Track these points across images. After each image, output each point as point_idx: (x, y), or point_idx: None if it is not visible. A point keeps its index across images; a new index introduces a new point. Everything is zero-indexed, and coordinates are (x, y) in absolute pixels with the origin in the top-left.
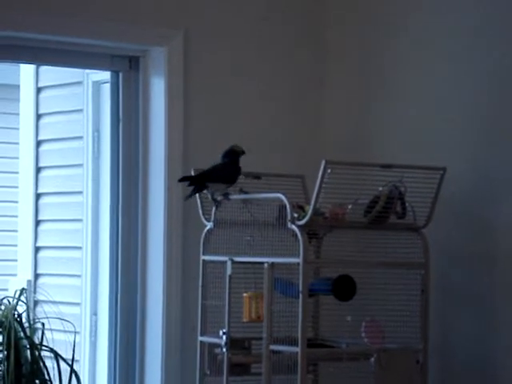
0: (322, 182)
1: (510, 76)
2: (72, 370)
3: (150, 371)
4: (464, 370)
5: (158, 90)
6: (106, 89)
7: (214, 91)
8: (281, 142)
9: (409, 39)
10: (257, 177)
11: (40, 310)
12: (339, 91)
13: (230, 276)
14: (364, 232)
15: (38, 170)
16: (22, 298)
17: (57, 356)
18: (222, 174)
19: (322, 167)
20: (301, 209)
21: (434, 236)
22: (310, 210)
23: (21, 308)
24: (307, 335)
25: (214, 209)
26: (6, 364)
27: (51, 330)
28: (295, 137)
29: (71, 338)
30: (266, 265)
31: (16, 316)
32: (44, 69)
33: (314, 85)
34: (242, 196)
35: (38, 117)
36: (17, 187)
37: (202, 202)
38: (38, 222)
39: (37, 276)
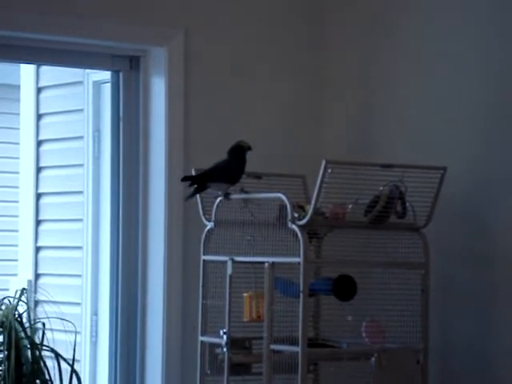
0: (322, 181)
1: (510, 76)
2: (73, 370)
3: (151, 371)
4: (464, 369)
5: (158, 90)
6: (107, 88)
7: (214, 91)
8: (281, 142)
9: (409, 39)
10: (257, 176)
11: (41, 310)
12: (339, 91)
13: (230, 276)
14: (364, 232)
15: (39, 169)
16: (23, 297)
17: (57, 356)
18: (224, 173)
19: (322, 167)
20: (301, 208)
21: (435, 236)
22: (310, 209)
23: (21, 308)
24: (308, 335)
25: (214, 208)
26: (6, 364)
27: (52, 329)
28: (296, 136)
29: (72, 337)
30: (266, 264)
31: (17, 316)
32: (44, 69)
33: (314, 85)
34: (243, 196)
35: (39, 117)
36: (17, 187)
37: (202, 202)
38: (38, 222)
39: (37, 276)
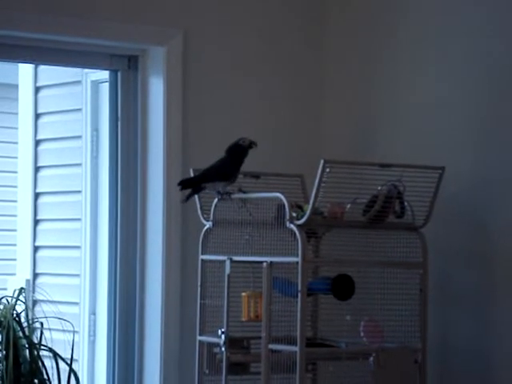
0: (320, 181)
1: (510, 76)
2: (71, 370)
3: (149, 371)
4: (462, 369)
5: (156, 90)
6: (105, 88)
7: (212, 91)
8: (280, 142)
9: (409, 39)
10: (255, 176)
11: (39, 310)
12: (339, 91)
13: (228, 275)
14: (363, 231)
15: (37, 169)
16: (21, 297)
17: (56, 355)
18: (218, 172)
19: (320, 166)
20: (299, 208)
21: (433, 235)
22: (308, 209)
23: (20, 307)
24: (306, 334)
25: (212, 208)
26: (4, 363)
27: (50, 329)
28: (294, 136)
29: (70, 337)
30: (264, 264)
31: (15, 315)
32: (43, 68)
33: (314, 84)
34: (241, 195)
35: (37, 116)
36: (16, 186)
37: (200, 202)
38: (36, 222)
39: (36, 275)
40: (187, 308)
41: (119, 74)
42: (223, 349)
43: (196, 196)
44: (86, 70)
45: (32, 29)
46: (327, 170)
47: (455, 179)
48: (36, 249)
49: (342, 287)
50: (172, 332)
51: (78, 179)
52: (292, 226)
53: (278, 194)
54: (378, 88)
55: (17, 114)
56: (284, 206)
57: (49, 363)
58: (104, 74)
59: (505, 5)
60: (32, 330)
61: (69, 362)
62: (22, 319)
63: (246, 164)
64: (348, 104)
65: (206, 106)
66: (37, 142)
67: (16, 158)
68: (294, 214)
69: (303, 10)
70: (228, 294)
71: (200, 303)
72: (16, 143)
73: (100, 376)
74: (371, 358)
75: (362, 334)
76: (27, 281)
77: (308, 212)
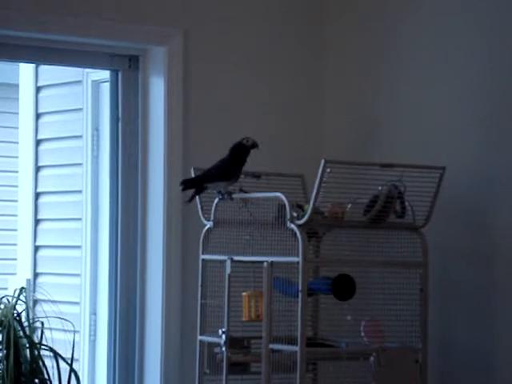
0: (321, 181)
1: (510, 76)
2: (71, 369)
3: (150, 370)
4: (463, 369)
5: (157, 89)
6: (106, 88)
7: (213, 90)
8: (280, 142)
9: (408, 39)
10: (256, 176)
11: (39, 309)
12: (339, 91)
13: (229, 275)
14: (363, 231)
15: (38, 169)
16: (22, 297)
17: (56, 355)
18: (219, 171)
19: (321, 166)
20: (300, 208)
21: (433, 235)
22: (309, 209)
23: (20, 307)
24: (306, 334)
25: (213, 208)
26: (5, 363)
27: (50, 329)
28: (295, 136)
29: (70, 337)
30: (265, 264)
31: (15, 315)
32: (43, 68)
33: (314, 84)
34: (242, 195)
35: (38, 116)
36: (16, 186)
37: (201, 202)
38: (37, 221)
39: (36, 275)
40: (188, 308)
41: (120, 73)
42: (224, 348)
43: (197, 196)
44: (87, 70)
45: (33, 29)
46: (328, 169)
47: (456, 179)
48: (36, 248)
49: (343, 287)
50: (172, 332)
51: (78, 179)
52: (293, 225)
53: (279, 194)
54: (378, 88)
55: (17, 113)
56: (285, 205)
57: (49, 363)
58: (105, 74)
59: (505, 5)
60: (33, 329)
61: (69, 361)
62: (23, 319)
63: (247, 164)
64: (348, 104)
65: (206, 106)
66: (37, 142)
67: (17, 157)
68: (295, 214)
69: (303, 10)
70: (229, 293)
71: (201, 303)
72: (17, 143)
73: (100, 376)
74: (372, 358)
75: (362, 334)
76: (28, 280)
77: (309, 212)
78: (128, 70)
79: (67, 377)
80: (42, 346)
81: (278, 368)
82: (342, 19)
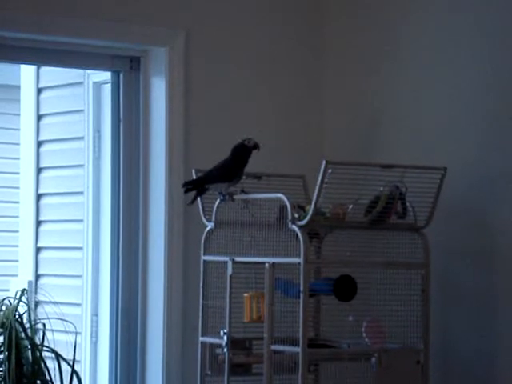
0: (322, 182)
1: (510, 76)
2: (73, 371)
3: (151, 372)
4: (464, 370)
5: (158, 91)
6: (107, 89)
7: (214, 91)
8: (281, 142)
9: (408, 39)
10: (257, 177)
11: (41, 311)
12: (339, 91)
13: (230, 276)
14: (365, 232)
15: (39, 170)
16: (23, 298)
17: (58, 356)
18: (220, 172)
19: (322, 167)
20: (301, 209)
21: (435, 236)
22: (310, 210)
23: (22, 309)
24: (308, 335)
25: (214, 209)
26: (7, 364)
27: (52, 330)
28: (296, 137)
29: (72, 338)
30: (266, 265)
31: (17, 316)
32: (45, 69)
33: (314, 85)
34: (243, 196)
35: (39, 117)
36: (18, 188)
37: (202, 203)
38: (38, 223)
39: (38, 276)
40: (189, 309)
41: (121, 74)
42: (225, 350)
43: (198, 197)
44: (88, 71)
45: (34, 30)
46: (329, 170)
47: (457, 180)
48: (38, 250)
49: (344, 288)
50: (174, 333)
51: (80, 180)
52: (294, 226)
53: (280, 195)
54: (379, 88)
55: (19, 115)
56: (286, 206)
57: (51, 364)
58: (106, 75)
59: (505, 5)
60: (34, 331)
61: (71, 363)
62: (25, 320)
63: (248, 165)
64: (349, 105)
65: (207, 107)
66: (39, 143)
67: (18, 159)
68: (296, 215)
69: (303, 10)
70: (230, 294)
71: (202, 304)
72: (18, 144)
73: (102, 377)
74: (373, 359)
75: (364, 335)
76: (29, 282)
77: (310, 213)
78: (129, 71)
79: (69, 378)
80: (44, 348)
81: (280, 369)
82: (342, 19)
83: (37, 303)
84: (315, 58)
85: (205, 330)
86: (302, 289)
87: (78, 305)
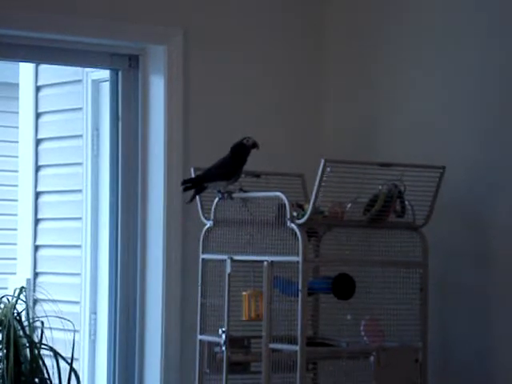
0: (321, 180)
1: (510, 76)
2: (71, 369)
3: (150, 370)
4: (463, 368)
5: (157, 89)
6: (106, 87)
7: (213, 89)
8: (280, 141)
9: (409, 39)
10: (256, 175)
11: (39, 309)
12: (339, 91)
13: (229, 274)
14: (363, 231)
15: (38, 168)
16: (22, 296)
17: (56, 354)
18: (219, 171)
19: (321, 166)
20: (300, 207)
21: (433, 235)
22: (309, 208)
23: (20, 306)
24: (307, 334)
25: (213, 207)
26: (5, 362)
27: (50, 328)
28: (295, 136)
29: (70, 336)
30: (265, 263)
31: (15, 314)
32: (43, 67)
33: (314, 84)
34: (242, 195)
35: (38, 115)
36: (16, 186)
37: (201, 201)
38: (37, 221)
39: (36, 274)
40: (188, 307)
41: (120, 73)
42: (224, 348)
43: (197, 195)
44: (87, 69)
45: (32, 28)
46: (328, 169)
47: (456, 179)
48: (36, 248)
49: (343, 286)
50: (172, 331)
51: (78, 178)
52: (293, 225)
53: (279, 194)
54: (378, 87)
55: (17, 113)
56: (285, 205)
57: (49, 362)
58: (105, 73)
59: (506, 4)
60: (33, 329)
61: (69, 361)
62: (23, 318)
63: (247, 163)
64: (348, 103)
65: (206, 105)
66: (37, 141)
67: (17, 157)
68: (295, 214)
69: (303, 10)
70: (229, 293)
71: (201, 302)
72: (16, 142)
73: (100, 375)
74: (372, 358)
75: (362, 334)
76: (28, 280)
77: (308, 211)
78: (128, 70)
79: (67, 376)
80: (42, 346)
81: (278, 367)
82: (342, 19)
83: (35, 301)
84: (315, 57)
85: (203, 328)
86: (300, 287)
87: (77, 303)
